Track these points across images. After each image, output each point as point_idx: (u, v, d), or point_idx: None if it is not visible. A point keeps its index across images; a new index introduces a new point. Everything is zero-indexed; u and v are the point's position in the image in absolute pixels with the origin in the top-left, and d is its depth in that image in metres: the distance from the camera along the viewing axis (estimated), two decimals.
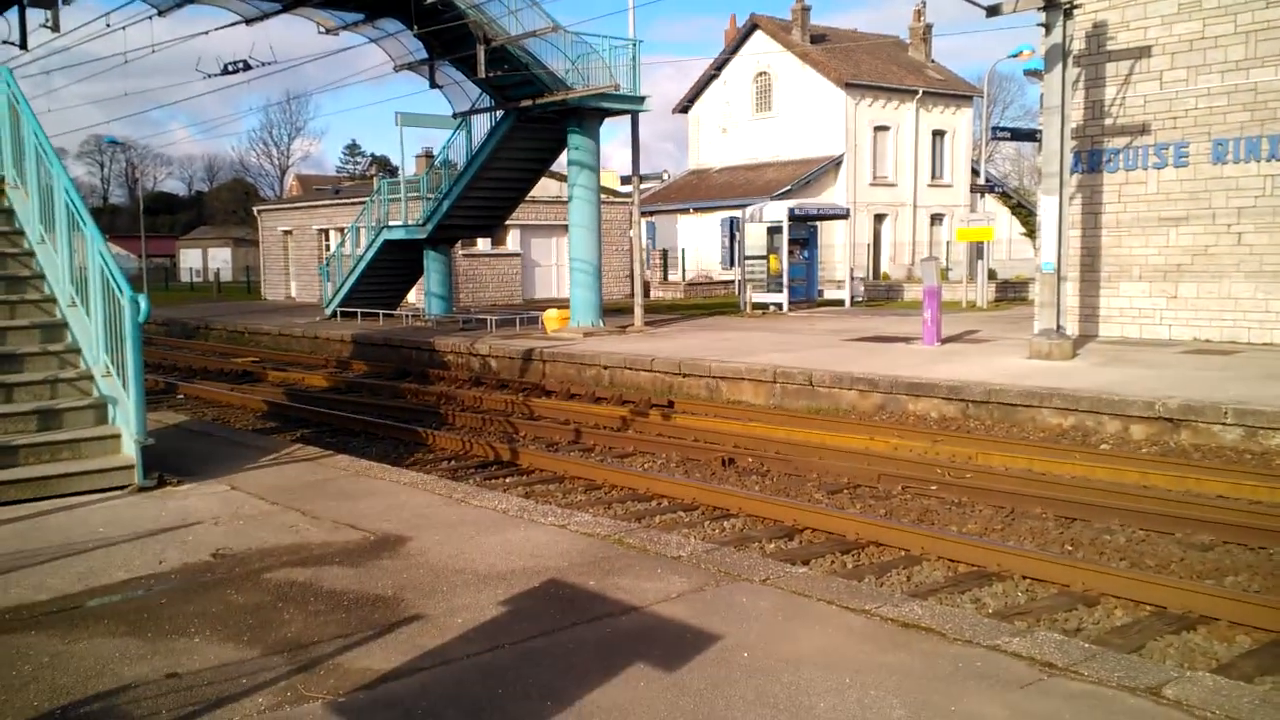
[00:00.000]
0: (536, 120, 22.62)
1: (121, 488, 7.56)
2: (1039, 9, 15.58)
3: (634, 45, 22.10)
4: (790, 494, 9.55)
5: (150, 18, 21.15)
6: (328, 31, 23.44)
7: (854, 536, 7.95)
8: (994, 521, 8.47)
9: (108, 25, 21.36)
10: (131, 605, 5.11)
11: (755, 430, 12.45)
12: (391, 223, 27.16)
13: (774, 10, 52.05)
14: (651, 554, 5.89)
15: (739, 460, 10.83)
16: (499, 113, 23.35)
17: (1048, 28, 15.62)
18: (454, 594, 5.19)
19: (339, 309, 28.66)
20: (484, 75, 20.99)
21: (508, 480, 10.42)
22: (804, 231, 30.48)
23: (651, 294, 38.81)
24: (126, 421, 7.71)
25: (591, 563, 5.70)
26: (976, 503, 8.97)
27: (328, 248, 38.53)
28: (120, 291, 7.50)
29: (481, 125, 24.39)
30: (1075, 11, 15.81)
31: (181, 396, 17.02)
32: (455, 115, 24.76)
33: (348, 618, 4.88)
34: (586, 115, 22.05)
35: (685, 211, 45.65)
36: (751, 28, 44.22)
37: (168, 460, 8.31)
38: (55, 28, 17.51)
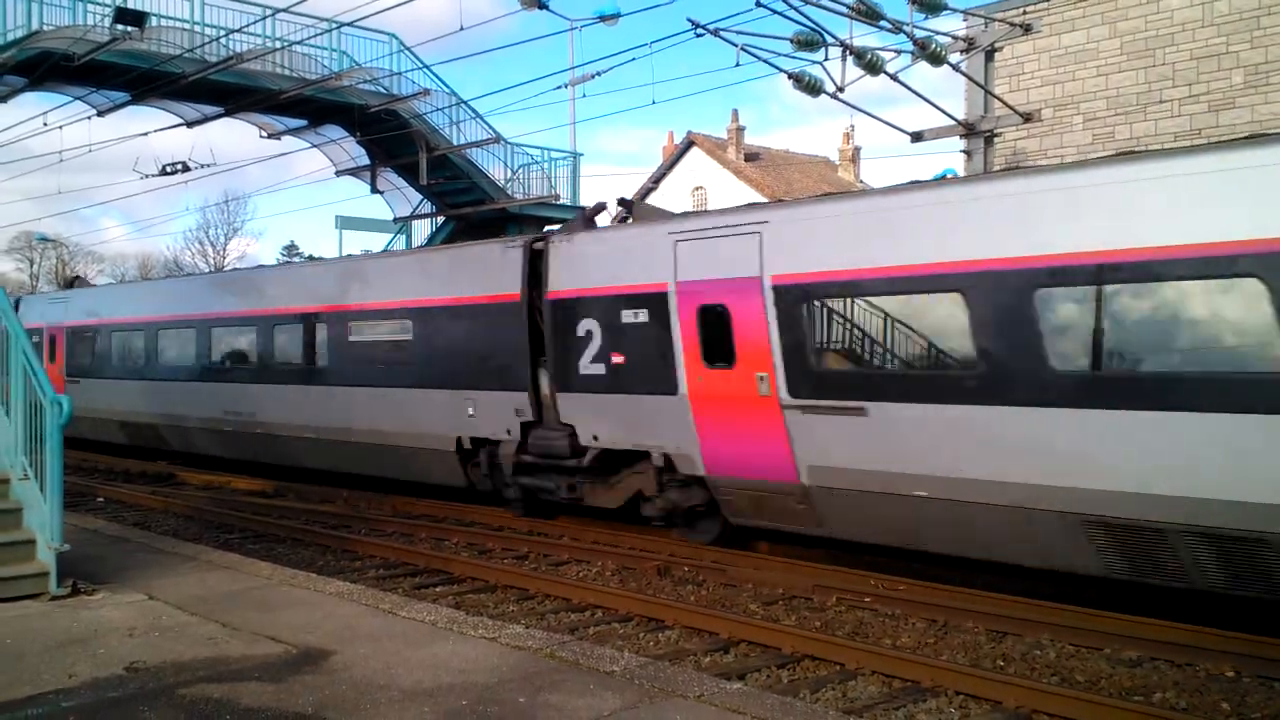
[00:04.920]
0: (477, 226, 22.90)
1: (34, 596, 7.26)
2: (961, 135, 16.32)
3: (575, 158, 22.65)
4: (726, 605, 9.47)
5: (89, 118, 21.19)
6: (270, 136, 23.64)
7: (790, 650, 7.89)
8: (927, 635, 8.47)
9: (45, 125, 21.33)
10: None
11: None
12: None
13: (710, 126, 53.69)
14: (584, 668, 5.78)
15: (674, 570, 10.74)
16: (439, 219, 23.60)
17: (969, 154, 16.34)
18: (378, 713, 5.02)
19: None
20: (426, 182, 21.29)
21: (438, 589, 10.20)
22: None
23: None
24: (43, 527, 7.44)
25: (523, 678, 5.57)
26: (911, 615, 8.98)
27: None
28: (42, 393, 7.32)
29: (422, 230, 24.62)
30: (995, 140, 16.59)
31: (101, 499, 16.44)
32: (396, 220, 24.96)
33: None
34: (526, 223, 22.39)
35: None
36: (688, 144, 45.45)
37: (84, 567, 8.00)
38: None
